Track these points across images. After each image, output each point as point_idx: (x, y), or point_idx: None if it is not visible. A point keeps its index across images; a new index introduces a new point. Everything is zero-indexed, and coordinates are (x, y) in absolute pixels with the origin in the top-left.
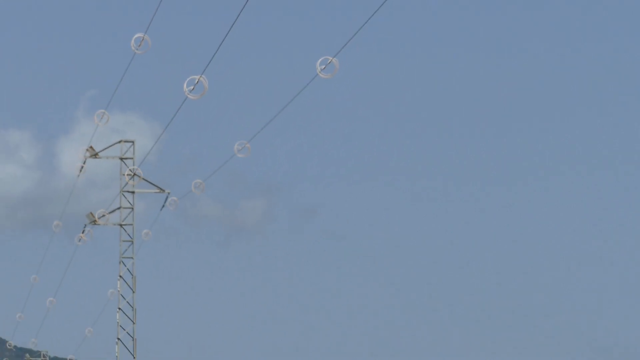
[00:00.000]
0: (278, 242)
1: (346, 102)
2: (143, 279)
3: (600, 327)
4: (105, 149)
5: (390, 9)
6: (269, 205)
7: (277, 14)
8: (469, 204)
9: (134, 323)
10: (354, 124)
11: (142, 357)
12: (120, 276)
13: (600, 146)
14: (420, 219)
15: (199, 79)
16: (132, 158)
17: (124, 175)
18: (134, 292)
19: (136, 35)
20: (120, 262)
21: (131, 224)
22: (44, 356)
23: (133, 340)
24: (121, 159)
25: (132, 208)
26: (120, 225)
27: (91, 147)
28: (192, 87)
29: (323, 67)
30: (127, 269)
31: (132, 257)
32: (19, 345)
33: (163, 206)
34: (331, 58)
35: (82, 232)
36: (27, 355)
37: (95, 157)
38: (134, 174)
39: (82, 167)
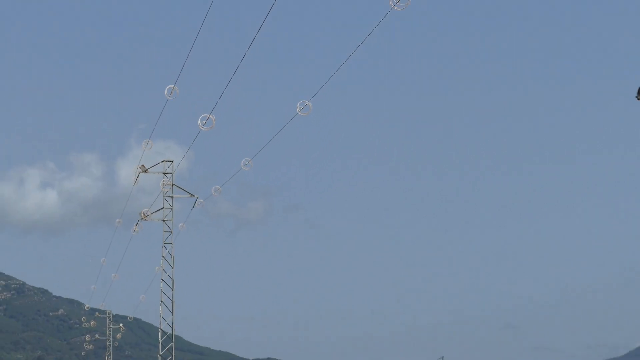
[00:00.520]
0: (274, 230)
1: (326, 127)
2: (179, 259)
3: None
4: (153, 166)
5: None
6: (267, 203)
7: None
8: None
9: (172, 290)
10: (331, 143)
11: (178, 314)
12: (163, 257)
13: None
14: (385, 216)
15: (209, 116)
16: (171, 173)
17: (165, 184)
18: (172, 268)
19: (168, 86)
20: (163, 247)
21: (170, 220)
22: (108, 314)
23: (172, 302)
24: (164, 173)
25: (171, 208)
26: (163, 220)
27: (142, 165)
28: (204, 122)
29: (302, 107)
30: (168, 251)
31: (171, 243)
32: (92, 307)
33: (193, 207)
34: (307, 101)
35: (136, 225)
36: (97, 313)
37: (146, 172)
38: (172, 184)
39: (136, 179)
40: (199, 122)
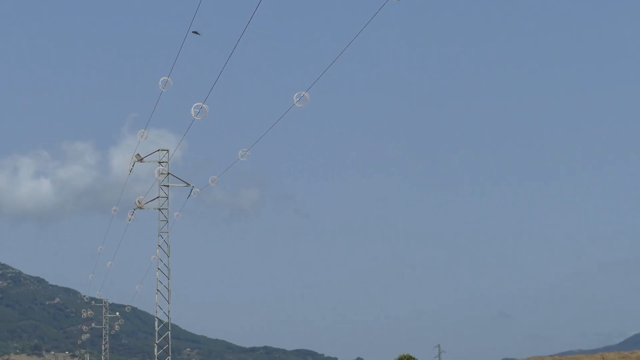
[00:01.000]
0: (267, 219)
1: (319, 117)
2: (175, 247)
3: None
4: (148, 155)
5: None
6: (261, 192)
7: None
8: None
9: (168, 279)
10: (323, 133)
11: (175, 303)
12: (159, 245)
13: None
14: (376, 204)
15: (202, 106)
16: (166, 161)
17: (160, 173)
18: (168, 256)
19: (162, 78)
20: (158, 235)
21: (166, 208)
22: (105, 303)
23: (168, 291)
24: (159, 162)
25: (167, 197)
26: (159, 209)
27: (138, 154)
28: (197, 111)
29: (297, 99)
30: (164, 240)
31: (167, 232)
32: (90, 296)
33: (189, 196)
34: (304, 92)
35: (131, 214)
36: (93, 302)
37: (141, 162)
38: (168, 173)
39: (131, 168)
40: (193, 112)
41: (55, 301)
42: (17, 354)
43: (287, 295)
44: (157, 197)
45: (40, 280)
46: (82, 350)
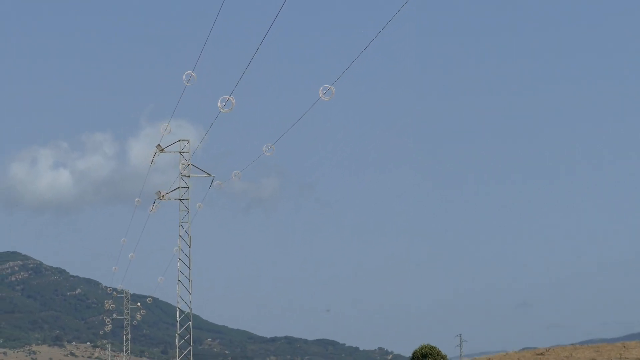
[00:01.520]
0: (287, 208)
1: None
2: (196, 238)
3: None
4: (169, 145)
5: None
6: (281, 181)
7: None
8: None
9: (189, 269)
10: (341, 127)
11: (196, 293)
12: (180, 236)
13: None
14: (391, 194)
15: (228, 98)
16: (187, 152)
17: (182, 164)
18: (189, 247)
19: (186, 72)
20: (180, 226)
21: (187, 199)
22: (126, 293)
23: (189, 281)
24: (180, 152)
25: (188, 187)
26: (180, 200)
27: (159, 144)
28: (224, 104)
29: (324, 92)
30: (185, 231)
31: (188, 223)
32: (112, 287)
33: (210, 186)
34: (330, 86)
35: (153, 205)
36: (114, 293)
37: (162, 152)
38: (189, 163)
39: (153, 159)
40: (219, 104)
41: (77, 292)
42: (38, 344)
43: (308, 285)
44: (178, 188)
45: (61, 271)
46: (104, 341)
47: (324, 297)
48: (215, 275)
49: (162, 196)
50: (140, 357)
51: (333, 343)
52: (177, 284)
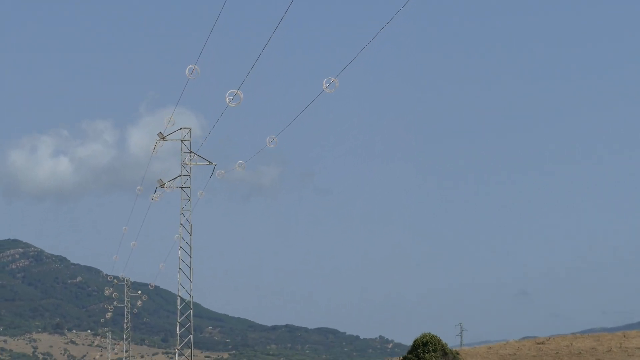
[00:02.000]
0: (288, 197)
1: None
2: (197, 226)
3: None
4: (171, 134)
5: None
6: (281, 170)
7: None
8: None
9: (190, 257)
10: (341, 117)
11: (197, 281)
12: (181, 224)
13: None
14: (389, 182)
15: (236, 92)
16: (189, 140)
17: (183, 152)
18: (190, 235)
19: (189, 66)
20: (181, 214)
21: (189, 187)
22: (127, 281)
23: (190, 269)
24: (181, 140)
25: (189, 175)
26: (181, 188)
27: (160, 132)
28: (232, 98)
29: (327, 85)
30: (186, 219)
31: (189, 211)
32: (112, 275)
33: (212, 175)
34: (333, 78)
35: (155, 193)
36: (115, 280)
37: (164, 140)
38: (190, 151)
39: (155, 148)
40: (227, 98)
41: (77, 280)
42: (39, 332)
43: (309, 274)
44: (180, 176)
45: (62, 259)
46: (105, 329)
47: (325, 286)
48: (216, 263)
49: (164, 185)
50: (141, 345)
51: (333, 332)
52: (178, 272)
